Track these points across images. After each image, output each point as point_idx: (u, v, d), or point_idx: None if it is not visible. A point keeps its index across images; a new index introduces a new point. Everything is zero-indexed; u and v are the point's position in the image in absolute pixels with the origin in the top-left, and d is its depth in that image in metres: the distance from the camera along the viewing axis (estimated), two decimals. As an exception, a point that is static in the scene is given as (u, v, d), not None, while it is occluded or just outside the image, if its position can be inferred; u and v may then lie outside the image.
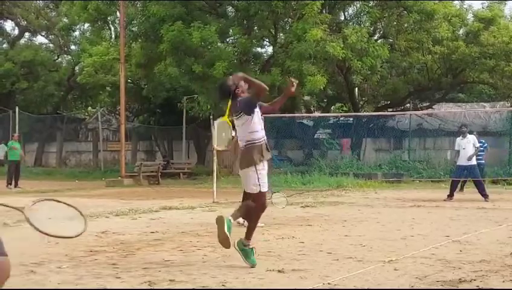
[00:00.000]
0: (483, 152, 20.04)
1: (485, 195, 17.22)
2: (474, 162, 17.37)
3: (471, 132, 18.19)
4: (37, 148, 40.30)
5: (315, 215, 13.26)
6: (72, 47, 41.05)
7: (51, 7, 41.22)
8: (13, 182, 24.02)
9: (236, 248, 7.28)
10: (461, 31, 30.50)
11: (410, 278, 6.60)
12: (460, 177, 18.05)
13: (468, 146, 17.31)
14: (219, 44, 26.51)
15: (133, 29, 29.55)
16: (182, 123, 33.55)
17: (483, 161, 20.47)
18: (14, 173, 24.20)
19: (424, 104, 33.33)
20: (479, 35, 28.32)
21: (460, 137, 17.62)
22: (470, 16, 30.74)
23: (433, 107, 33.17)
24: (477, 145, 17.61)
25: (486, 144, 19.08)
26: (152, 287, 6.27)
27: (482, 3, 30.50)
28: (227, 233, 7.12)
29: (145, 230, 10.73)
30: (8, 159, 24.64)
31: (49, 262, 7.64)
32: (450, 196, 17.45)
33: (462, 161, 17.42)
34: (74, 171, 35.44)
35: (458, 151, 17.52)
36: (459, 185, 18.58)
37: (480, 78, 29.96)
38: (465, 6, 31.76)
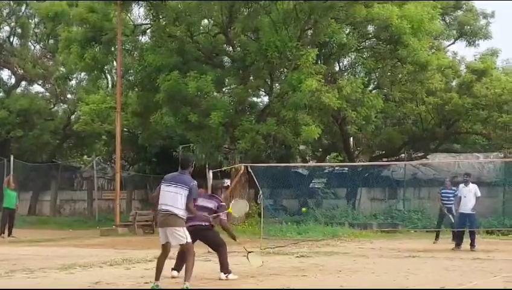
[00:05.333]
0: (453, 199, 19.28)
1: (473, 245, 17.51)
2: (473, 211, 17.65)
3: (473, 182, 18.41)
4: (31, 196, 40.08)
5: (310, 266, 13.21)
6: (69, 96, 41.20)
7: (48, 56, 41.52)
8: (6, 231, 23.88)
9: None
10: (454, 83, 30.74)
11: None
12: (463, 226, 18.05)
13: (469, 195, 17.63)
14: (215, 94, 26.70)
15: (130, 78, 29.77)
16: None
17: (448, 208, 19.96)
18: (7, 221, 24.09)
19: (419, 154, 33.39)
20: (471, 86, 28.52)
21: (463, 185, 17.94)
22: (462, 68, 31.04)
23: (428, 157, 33.26)
24: (479, 194, 17.78)
25: (457, 192, 18.91)
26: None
27: (474, 55, 30.81)
28: None
29: (139, 280, 10.67)
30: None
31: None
32: (459, 244, 17.76)
33: (463, 209, 17.72)
34: (68, 220, 35.23)
35: (460, 198, 17.84)
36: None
37: (473, 129, 30.10)
38: (458, 58, 32.15)
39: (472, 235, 17.88)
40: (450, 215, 19.34)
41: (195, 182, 9.61)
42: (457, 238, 18.07)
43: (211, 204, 11.25)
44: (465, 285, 10.07)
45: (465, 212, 17.65)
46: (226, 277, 10.94)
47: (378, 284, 10.20)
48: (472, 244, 17.59)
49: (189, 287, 9.18)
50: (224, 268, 11.04)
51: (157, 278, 9.44)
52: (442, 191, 20.25)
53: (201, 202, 11.10)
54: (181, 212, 9.33)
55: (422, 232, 24.71)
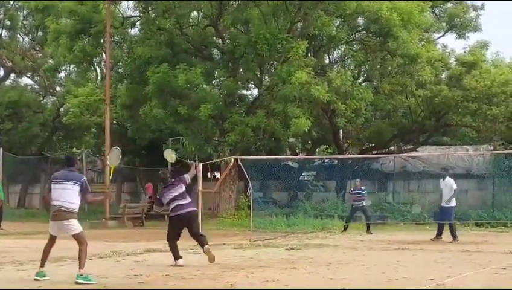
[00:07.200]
0: (361, 196, 21.79)
1: (438, 237, 17.98)
2: (450, 204, 17.96)
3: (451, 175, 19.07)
4: (21, 189, 39.94)
5: (300, 258, 13.22)
6: (58, 88, 41.03)
7: (37, 49, 41.31)
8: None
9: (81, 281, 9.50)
10: (444, 75, 30.77)
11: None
12: (441, 219, 18.49)
13: (445, 189, 18.15)
14: (204, 86, 26.66)
15: (119, 70, 29.66)
16: (167, 165, 33.45)
17: (361, 205, 21.91)
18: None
19: (408, 147, 33.47)
20: (461, 79, 28.57)
21: (441, 179, 18.46)
22: (452, 60, 31.07)
23: (417, 149, 33.33)
24: (454, 187, 18.13)
25: (365, 191, 22.03)
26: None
27: (464, 48, 30.83)
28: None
29: (129, 273, 10.65)
30: None
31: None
32: (439, 235, 18.06)
33: (442, 202, 18.21)
34: (58, 212, 35.04)
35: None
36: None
37: (463, 122, 30.14)
38: (447, 50, 32.18)
39: (440, 227, 18.24)
40: (362, 213, 21.98)
41: (85, 178, 10.22)
42: (438, 230, 18.33)
43: (181, 188, 11.75)
44: (454, 277, 10.10)
45: (442, 205, 18.15)
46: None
47: (368, 277, 10.22)
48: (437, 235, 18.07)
49: (84, 277, 9.66)
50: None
51: (42, 264, 10.11)
52: (353, 191, 22.41)
53: (173, 191, 11.70)
54: (73, 206, 9.93)
55: (412, 224, 24.80)
